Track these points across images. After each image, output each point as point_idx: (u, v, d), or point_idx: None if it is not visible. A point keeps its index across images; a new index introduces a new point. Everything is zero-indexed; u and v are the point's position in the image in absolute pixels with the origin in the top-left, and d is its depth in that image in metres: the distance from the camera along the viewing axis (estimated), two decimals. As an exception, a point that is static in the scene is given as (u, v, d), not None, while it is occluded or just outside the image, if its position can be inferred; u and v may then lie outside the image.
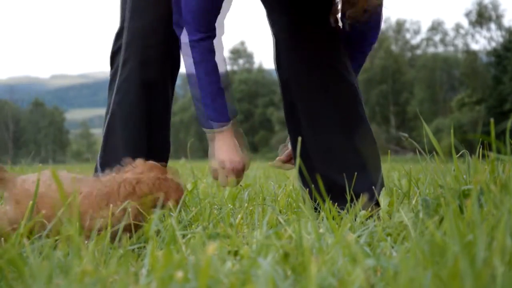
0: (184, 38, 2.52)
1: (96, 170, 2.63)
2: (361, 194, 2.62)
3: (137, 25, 2.60)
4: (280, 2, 2.78)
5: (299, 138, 1.88)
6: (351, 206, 2.45)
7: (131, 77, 2.60)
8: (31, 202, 1.91)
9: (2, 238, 1.93)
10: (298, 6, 2.72)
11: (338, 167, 2.69)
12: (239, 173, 2.62)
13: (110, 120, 2.63)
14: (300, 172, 2.75)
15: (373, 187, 2.64)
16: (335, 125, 2.73)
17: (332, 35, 2.79)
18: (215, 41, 2.55)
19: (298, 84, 2.77)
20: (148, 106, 2.61)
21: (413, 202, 2.31)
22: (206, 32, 2.51)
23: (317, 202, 2.64)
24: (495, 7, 56.74)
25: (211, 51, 2.53)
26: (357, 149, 2.70)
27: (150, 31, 2.59)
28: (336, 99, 2.74)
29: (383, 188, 2.51)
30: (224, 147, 2.60)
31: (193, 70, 2.54)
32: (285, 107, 2.85)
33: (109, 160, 2.57)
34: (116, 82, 2.62)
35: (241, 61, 79.35)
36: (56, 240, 1.84)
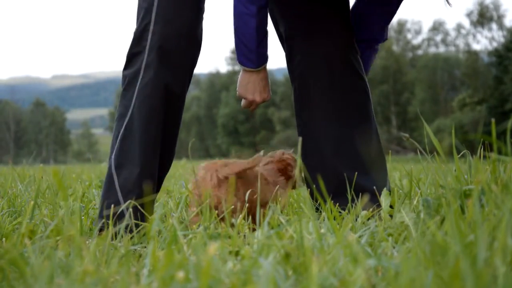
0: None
1: (109, 171, 2.60)
2: (368, 191, 2.64)
3: (165, 31, 2.57)
4: None
5: (300, 139, 1.88)
6: (352, 205, 2.45)
7: (154, 81, 2.57)
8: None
9: (4, 239, 1.94)
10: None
11: (348, 163, 2.73)
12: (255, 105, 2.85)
13: (129, 122, 2.60)
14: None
15: (384, 187, 2.66)
16: (346, 119, 2.78)
17: (346, 29, 2.87)
18: None
19: (312, 77, 2.82)
20: (167, 112, 2.61)
21: (414, 202, 2.31)
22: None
23: (318, 202, 2.64)
24: (497, 7, 56.71)
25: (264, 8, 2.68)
26: (365, 146, 2.74)
27: (178, 37, 2.59)
28: (349, 94, 2.80)
29: (384, 188, 2.51)
30: (251, 84, 2.78)
31: (248, 18, 2.67)
32: (296, 102, 2.89)
33: (125, 162, 2.56)
34: (137, 85, 2.59)
35: (242, 61, 79.22)
36: (58, 240, 1.84)
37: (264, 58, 2.72)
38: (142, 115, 2.57)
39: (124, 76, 2.66)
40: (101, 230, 2.42)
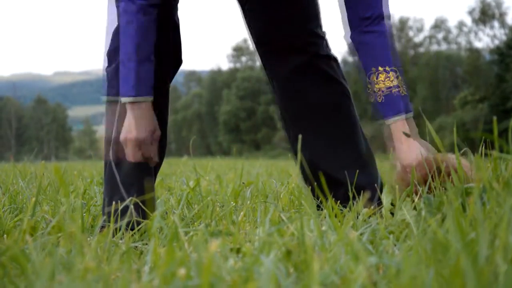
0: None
1: (105, 165, 2.61)
2: (362, 191, 2.63)
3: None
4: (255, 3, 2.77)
5: (300, 136, 1.88)
6: (353, 203, 2.45)
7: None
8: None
9: (5, 235, 1.94)
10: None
11: (338, 164, 2.70)
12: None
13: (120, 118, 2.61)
14: (302, 169, 2.75)
15: (375, 184, 2.65)
16: (327, 126, 2.74)
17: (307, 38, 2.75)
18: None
19: (281, 88, 2.79)
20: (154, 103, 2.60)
21: (416, 200, 2.31)
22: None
23: (319, 200, 2.64)
24: (499, 5, 56.66)
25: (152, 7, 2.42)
26: (354, 146, 2.72)
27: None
28: (326, 100, 2.75)
29: (385, 186, 2.51)
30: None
31: (129, 28, 2.41)
32: (276, 108, 2.88)
33: (122, 154, 2.58)
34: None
35: (243, 59, 79.28)
36: (59, 237, 1.84)
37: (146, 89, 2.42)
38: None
39: (106, 74, 2.66)
40: (103, 227, 2.43)
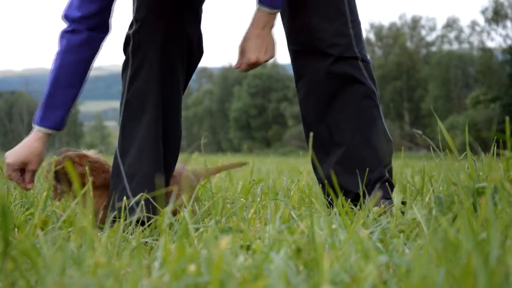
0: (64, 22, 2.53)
1: (115, 159, 2.63)
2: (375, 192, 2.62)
3: (142, 15, 2.62)
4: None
5: (311, 134, 1.87)
6: (364, 202, 2.45)
7: (142, 65, 2.62)
8: None
9: (16, 229, 1.95)
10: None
11: (351, 165, 2.69)
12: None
13: (126, 108, 2.65)
14: (315, 167, 2.75)
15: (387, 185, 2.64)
16: (348, 127, 2.71)
17: (342, 26, 2.72)
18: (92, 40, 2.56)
19: (304, 88, 2.77)
20: (162, 93, 2.62)
21: (427, 199, 2.30)
22: (79, 24, 2.51)
23: (330, 197, 2.64)
24: (512, 4, 56.37)
25: (80, 46, 2.53)
26: (370, 146, 2.69)
27: (153, 21, 2.61)
28: (347, 102, 2.72)
29: (396, 185, 2.50)
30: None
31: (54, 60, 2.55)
32: (302, 113, 2.85)
33: (129, 148, 2.59)
34: (129, 71, 2.64)
35: (255, 56, 79.12)
36: (70, 232, 1.85)
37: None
38: (137, 100, 2.61)
39: (122, 65, 2.74)
40: (114, 222, 2.44)
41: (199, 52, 2.78)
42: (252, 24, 2.57)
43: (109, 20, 2.59)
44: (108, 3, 2.54)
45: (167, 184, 2.63)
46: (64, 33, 2.52)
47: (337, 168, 2.68)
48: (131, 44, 2.65)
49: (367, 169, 2.63)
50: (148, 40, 2.61)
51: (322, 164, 2.72)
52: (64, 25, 2.54)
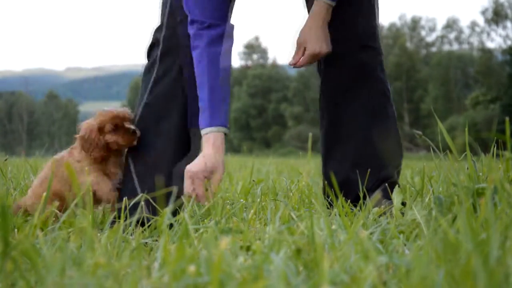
0: (190, 29, 2.53)
1: (127, 159, 2.66)
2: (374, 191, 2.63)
3: (176, 22, 2.63)
4: None
5: (310, 134, 1.87)
6: (364, 202, 2.45)
7: (169, 70, 2.64)
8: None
9: (16, 229, 1.95)
10: None
11: (354, 162, 2.70)
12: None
13: (144, 109, 2.67)
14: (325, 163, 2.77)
15: (378, 185, 2.64)
16: (361, 121, 2.73)
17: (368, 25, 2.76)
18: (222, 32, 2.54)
19: (325, 84, 2.77)
20: (184, 99, 2.64)
21: (426, 200, 2.30)
22: (210, 19, 2.51)
23: (330, 198, 2.64)
24: (512, 5, 56.34)
25: (217, 41, 2.52)
26: (378, 144, 2.71)
27: (185, 31, 2.63)
28: (364, 97, 2.74)
29: (396, 186, 2.50)
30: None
31: (197, 62, 2.53)
32: (321, 104, 2.86)
33: (143, 150, 2.63)
34: (154, 74, 2.66)
35: (255, 56, 79.16)
36: (69, 232, 1.85)
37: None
38: (160, 103, 2.63)
39: (145, 67, 2.76)
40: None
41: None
42: (312, 17, 2.57)
43: (228, 10, 2.56)
44: None
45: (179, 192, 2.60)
46: (200, 31, 2.49)
47: (346, 164, 2.70)
48: (160, 48, 2.68)
49: (377, 167, 2.66)
50: (179, 47, 2.63)
51: (331, 158, 2.74)
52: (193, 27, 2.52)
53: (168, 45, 2.66)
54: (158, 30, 2.72)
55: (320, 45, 2.55)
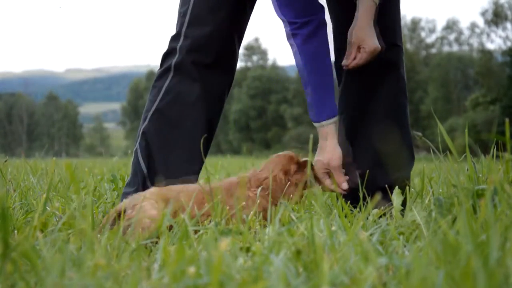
0: (285, 27, 2.57)
1: (136, 163, 2.70)
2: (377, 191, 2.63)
3: (196, 33, 2.69)
4: None
5: (311, 136, 1.88)
6: (363, 203, 2.45)
7: (183, 79, 2.71)
8: None
9: (16, 231, 1.94)
10: None
11: (367, 160, 2.72)
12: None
13: (154, 116, 2.70)
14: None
15: (392, 185, 2.65)
16: (379, 117, 2.75)
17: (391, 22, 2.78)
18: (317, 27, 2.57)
19: (353, 77, 2.79)
20: (201, 110, 2.69)
21: (426, 201, 2.30)
22: (304, 17, 2.53)
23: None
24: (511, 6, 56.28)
25: (311, 38, 2.55)
26: (387, 144, 2.72)
27: (207, 41, 2.68)
28: (382, 92, 2.75)
29: (396, 187, 2.51)
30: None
31: (296, 59, 2.59)
32: (341, 98, 2.90)
33: (155, 154, 2.67)
34: (167, 82, 2.69)
35: (255, 58, 79.14)
36: (69, 234, 1.85)
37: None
38: (173, 112, 2.67)
39: (157, 74, 2.81)
40: None
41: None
42: (363, 16, 2.57)
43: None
44: None
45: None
46: (295, 29, 2.53)
47: (367, 162, 2.72)
48: (176, 57, 2.71)
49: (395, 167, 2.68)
50: (196, 58, 2.67)
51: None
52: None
53: (185, 56, 2.70)
54: (174, 39, 2.75)
55: (376, 42, 2.57)
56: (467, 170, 2.25)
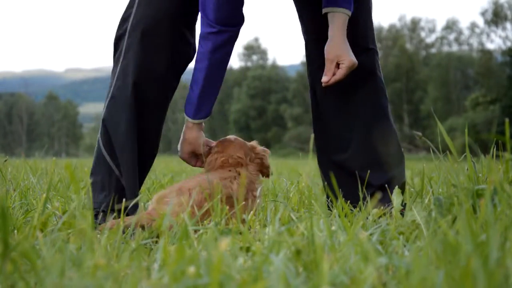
0: (201, 27, 2.55)
1: (98, 150, 2.68)
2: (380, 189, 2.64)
3: (143, 13, 2.63)
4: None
5: (312, 136, 1.88)
6: (363, 203, 2.45)
7: (129, 65, 2.63)
8: None
9: (16, 230, 1.94)
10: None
11: (362, 161, 2.72)
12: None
13: (110, 102, 2.68)
14: (320, 166, 2.79)
15: (387, 184, 2.65)
16: (360, 119, 2.75)
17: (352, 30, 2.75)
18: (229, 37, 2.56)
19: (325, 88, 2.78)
20: (144, 94, 2.65)
21: (426, 201, 2.30)
22: (223, 26, 2.52)
23: (329, 199, 2.64)
24: (511, 6, 56.32)
25: (221, 48, 2.55)
26: (377, 145, 2.72)
27: (154, 21, 2.62)
28: (362, 95, 2.76)
29: (397, 187, 2.51)
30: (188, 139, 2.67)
31: (198, 57, 2.58)
32: (311, 103, 2.87)
33: (111, 140, 2.65)
34: (118, 67, 2.66)
35: (255, 58, 79.22)
36: (69, 233, 1.85)
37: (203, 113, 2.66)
38: (121, 97, 2.64)
39: (113, 59, 2.77)
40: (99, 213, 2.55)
41: (190, 55, 2.78)
42: (337, 31, 2.59)
43: (242, 10, 2.59)
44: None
45: (140, 184, 2.73)
46: (208, 34, 2.53)
47: (352, 163, 2.72)
48: (125, 40, 2.67)
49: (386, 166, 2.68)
50: (142, 40, 2.62)
51: (336, 155, 2.76)
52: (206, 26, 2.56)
53: (132, 39, 2.66)
54: (123, 21, 2.70)
55: (353, 56, 2.58)
56: (467, 170, 2.25)
